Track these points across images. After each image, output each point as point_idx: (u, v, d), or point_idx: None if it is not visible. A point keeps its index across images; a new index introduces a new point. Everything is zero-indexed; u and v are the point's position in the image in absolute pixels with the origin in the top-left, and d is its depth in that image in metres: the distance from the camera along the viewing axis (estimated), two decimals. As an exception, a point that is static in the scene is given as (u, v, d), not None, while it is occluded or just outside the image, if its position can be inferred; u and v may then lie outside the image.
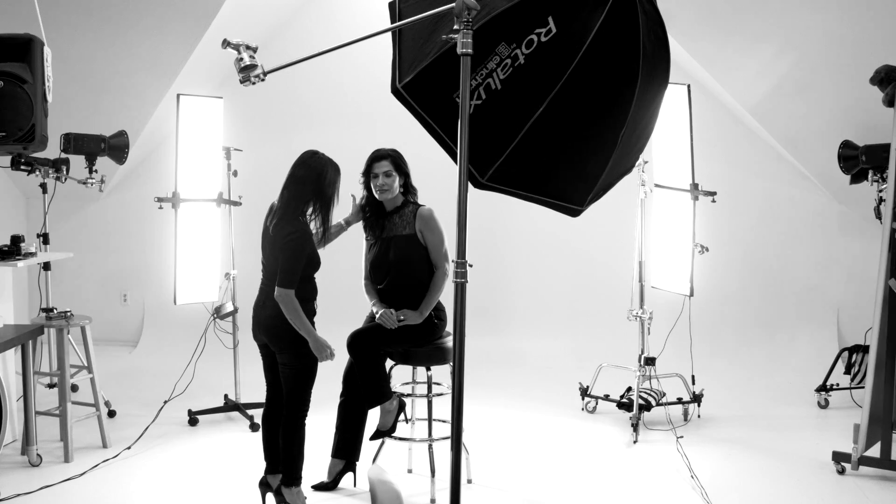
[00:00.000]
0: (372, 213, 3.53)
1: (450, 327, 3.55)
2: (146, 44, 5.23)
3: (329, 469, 3.49)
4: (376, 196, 3.47)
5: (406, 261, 3.44)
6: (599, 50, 2.49)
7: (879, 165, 4.30)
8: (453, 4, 1.97)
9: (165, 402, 4.49)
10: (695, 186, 4.38)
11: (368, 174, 3.49)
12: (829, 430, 4.37)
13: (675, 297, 4.56)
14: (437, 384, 3.51)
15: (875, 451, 3.63)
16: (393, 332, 3.37)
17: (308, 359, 3.06)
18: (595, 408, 4.69)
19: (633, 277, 4.65)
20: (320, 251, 3.23)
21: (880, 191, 4.34)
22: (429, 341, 3.46)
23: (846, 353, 4.91)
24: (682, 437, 4.16)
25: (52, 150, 3.92)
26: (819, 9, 4.69)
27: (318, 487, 3.46)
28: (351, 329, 3.45)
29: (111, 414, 4.50)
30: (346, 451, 3.48)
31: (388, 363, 3.55)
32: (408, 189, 3.52)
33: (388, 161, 3.44)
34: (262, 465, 3.23)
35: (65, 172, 4.31)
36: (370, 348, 3.35)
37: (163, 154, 6.06)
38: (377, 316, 3.41)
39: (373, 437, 3.45)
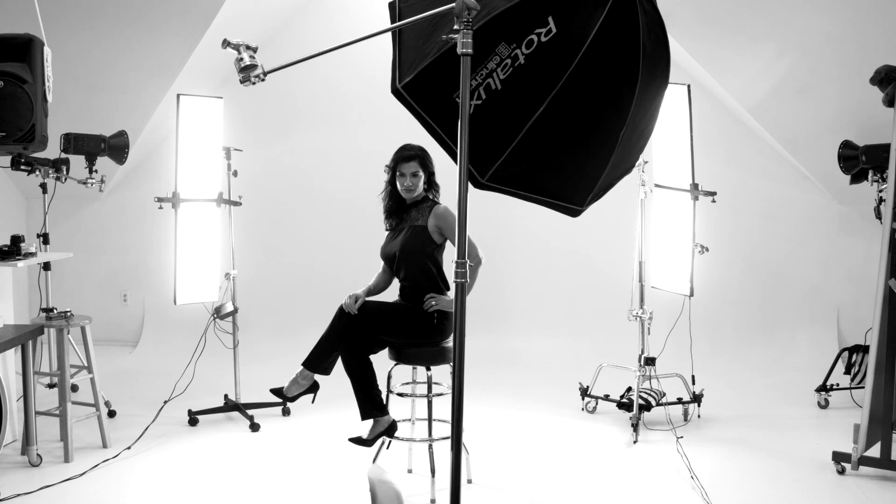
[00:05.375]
0: (393, 204, 3.60)
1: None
2: (146, 44, 5.23)
3: (371, 429, 3.44)
4: (401, 193, 3.54)
5: (410, 249, 3.48)
6: (599, 50, 2.49)
7: (879, 165, 4.30)
8: (453, 4, 1.97)
9: (165, 402, 4.49)
10: (695, 186, 4.38)
11: (395, 170, 3.54)
12: (829, 430, 4.37)
13: (675, 297, 4.56)
14: (437, 384, 3.51)
15: (875, 451, 3.63)
16: (393, 324, 3.42)
17: None
18: (595, 408, 4.69)
19: (633, 277, 4.65)
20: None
21: (880, 191, 4.34)
22: (426, 343, 3.47)
23: (846, 353, 4.90)
24: (682, 437, 4.16)
25: (52, 150, 3.92)
26: (819, 9, 4.69)
27: (356, 441, 3.42)
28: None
29: (111, 414, 4.50)
30: (378, 409, 3.41)
31: (389, 364, 3.55)
32: (431, 185, 3.59)
33: (415, 162, 3.51)
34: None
35: (65, 172, 4.31)
36: (361, 344, 3.36)
37: (163, 154, 6.06)
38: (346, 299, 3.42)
39: (351, 440, 3.45)
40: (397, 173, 3.53)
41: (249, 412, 4.41)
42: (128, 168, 5.89)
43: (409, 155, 3.51)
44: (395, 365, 3.55)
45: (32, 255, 3.91)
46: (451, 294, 3.45)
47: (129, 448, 3.94)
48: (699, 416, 4.58)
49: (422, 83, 2.37)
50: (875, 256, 3.94)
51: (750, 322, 5.91)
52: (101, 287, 6.32)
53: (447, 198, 3.59)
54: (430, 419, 3.47)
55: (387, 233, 3.65)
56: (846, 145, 4.51)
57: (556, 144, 2.68)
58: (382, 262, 3.67)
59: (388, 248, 3.59)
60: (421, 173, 3.51)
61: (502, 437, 4.26)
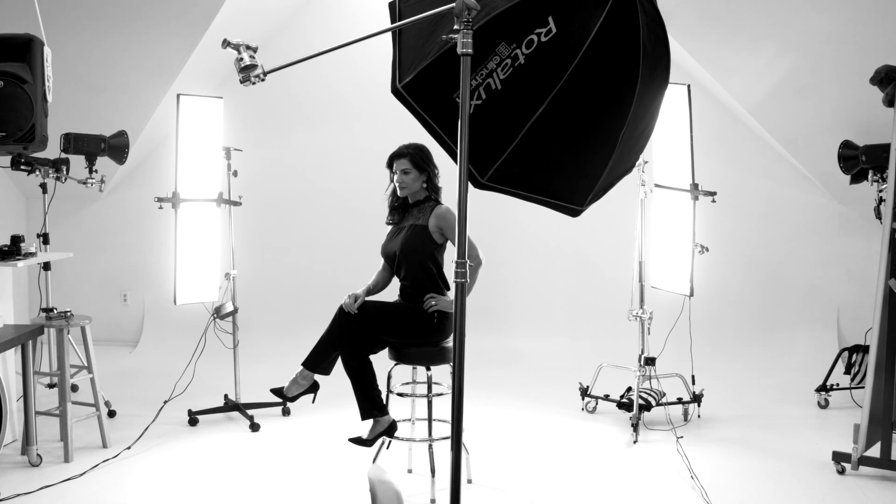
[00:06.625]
0: (396, 201, 3.63)
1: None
2: (146, 43, 5.23)
3: (371, 429, 3.44)
4: (397, 192, 3.58)
5: (411, 248, 3.49)
6: (599, 50, 2.49)
7: (879, 165, 4.30)
8: (453, 4, 1.97)
9: (165, 402, 4.49)
10: (695, 186, 4.38)
11: (390, 168, 3.60)
12: (829, 430, 4.37)
13: (675, 297, 4.56)
14: (437, 384, 3.51)
15: (875, 451, 3.63)
16: (393, 324, 3.43)
17: None
18: (595, 408, 4.69)
19: (633, 277, 4.65)
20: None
21: (880, 191, 4.34)
22: (427, 342, 3.47)
23: (846, 353, 4.90)
24: (682, 437, 4.16)
25: (52, 150, 3.92)
26: (819, 9, 4.69)
27: (356, 441, 3.42)
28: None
29: (111, 414, 4.50)
30: (378, 408, 3.42)
31: (389, 364, 3.55)
32: (430, 185, 3.59)
33: (405, 159, 3.52)
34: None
35: (65, 172, 4.31)
36: (361, 344, 3.36)
37: (163, 154, 6.06)
38: (346, 298, 3.43)
39: (351, 440, 3.45)
40: (392, 171, 3.57)
41: (249, 412, 4.41)
42: (128, 168, 5.89)
43: (399, 152, 3.54)
44: (395, 365, 3.55)
45: (32, 255, 3.91)
46: (451, 294, 3.46)
47: (129, 448, 3.94)
48: (699, 416, 4.58)
49: (422, 83, 2.38)
50: (875, 256, 3.95)
51: (750, 322, 5.91)
52: (101, 287, 6.32)
53: (447, 198, 3.59)
54: (430, 419, 3.47)
55: (388, 227, 3.67)
56: (846, 145, 4.51)
57: (557, 144, 2.68)
58: (382, 261, 3.68)
59: (388, 247, 3.60)
60: (413, 171, 3.51)
61: (502, 437, 4.26)
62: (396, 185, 3.54)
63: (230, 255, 4.64)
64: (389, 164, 3.58)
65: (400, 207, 3.63)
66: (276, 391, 3.55)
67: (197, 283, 4.54)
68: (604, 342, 5.71)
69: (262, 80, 2.18)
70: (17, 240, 3.85)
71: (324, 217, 6.17)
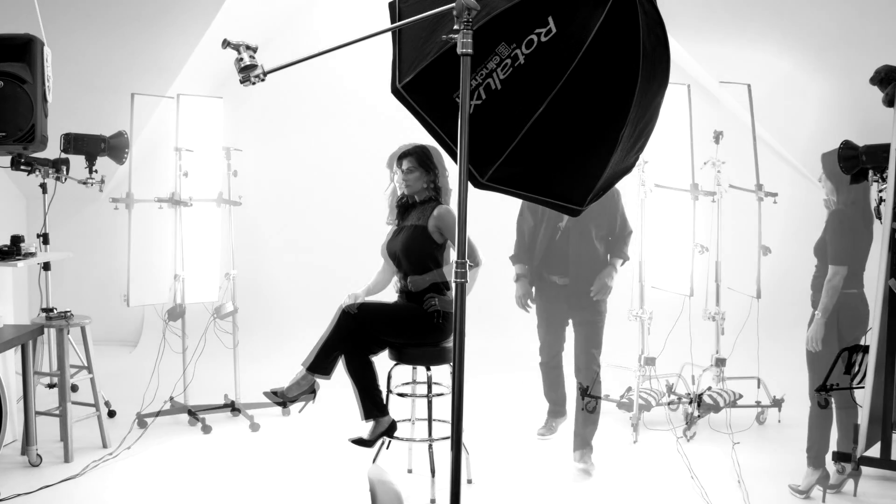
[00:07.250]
0: (399, 201, 3.65)
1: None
2: (146, 44, 5.23)
3: (371, 429, 3.44)
4: (398, 189, 3.60)
5: (410, 247, 3.50)
6: (599, 50, 2.49)
7: (879, 165, 4.29)
8: (453, 4, 1.97)
9: (166, 401, 4.49)
10: (695, 186, 4.38)
11: (393, 167, 3.62)
12: (830, 429, 4.36)
13: (675, 297, 4.56)
14: (437, 384, 3.51)
15: (875, 451, 3.63)
16: (393, 324, 3.43)
17: None
18: (595, 407, 4.69)
19: (633, 277, 4.65)
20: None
21: (880, 191, 4.34)
22: (427, 342, 3.47)
23: (846, 353, 4.89)
24: (682, 437, 4.16)
25: (52, 150, 3.92)
26: (819, 8, 4.69)
27: (357, 442, 3.42)
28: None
29: (111, 414, 4.50)
30: (378, 409, 3.43)
31: (389, 364, 3.55)
32: (433, 187, 3.58)
33: (409, 159, 3.54)
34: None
35: (65, 172, 4.31)
36: (362, 345, 3.36)
37: (163, 154, 6.05)
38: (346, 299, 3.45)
39: (352, 440, 3.45)
40: (395, 169, 3.58)
41: (249, 412, 4.41)
42: (127, 168, 5.88)
43: (405, 151, 3.56)
44: (396, 365, 3.55)
45: (32, 255, 3.91)
46: (452, 294, 3.47)
47: (129, 448, 3.94)
48: (699, 417, 4.58)
49: (422, 83, 2.37)
50: (875, 256, 3.94)
51: (749, 322, 5.90)
52: (101, 287, 6.31)
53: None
54: (430, 419, 3.47)
55: (389, 227, 3.68)
56: (846, 145, 4.49)
57: (557, 144, 2.68)
58: (381, 261, 3.68)
59: (390, 247, 3.61)
60: (417, 170, 3.52)
61: (502, 437, 4.26)
62: (398, 183, 3.56)
63: (230, 255, 4.64)
64: (390, 164, 3.60)
65: (401, 207, 3.63)
66: (274, 392, 3.54)
67: (197, 283, 4.55)
68: (604, 342, 5.70)
69: (262, 80, 2.17)
70: (17, 240, 3.84)
71: (324, 217, 6.17)
